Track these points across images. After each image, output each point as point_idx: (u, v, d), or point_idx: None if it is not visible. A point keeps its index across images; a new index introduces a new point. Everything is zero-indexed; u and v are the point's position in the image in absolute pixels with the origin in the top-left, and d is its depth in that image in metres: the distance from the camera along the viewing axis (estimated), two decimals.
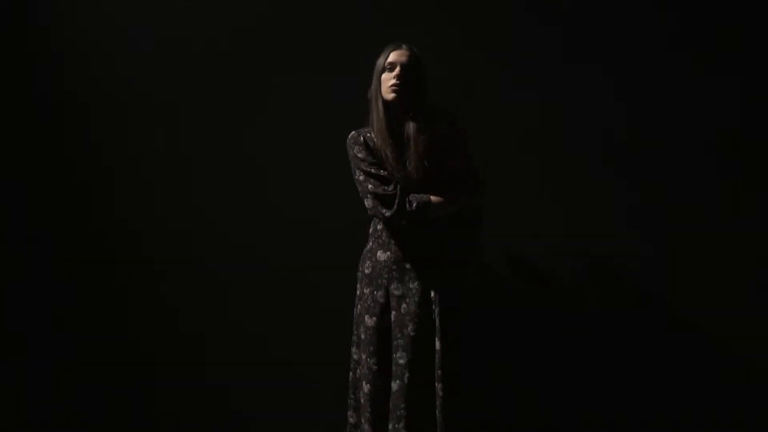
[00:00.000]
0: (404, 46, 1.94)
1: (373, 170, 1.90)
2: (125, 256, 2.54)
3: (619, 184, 2.21)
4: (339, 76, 2.33)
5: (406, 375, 1.87)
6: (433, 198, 1.87)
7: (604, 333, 2.23)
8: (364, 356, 1.96)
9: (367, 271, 2.00)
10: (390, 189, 1.87)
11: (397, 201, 1.85)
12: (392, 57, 1.91)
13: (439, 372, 1.87)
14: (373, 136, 1.94)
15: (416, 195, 1.87)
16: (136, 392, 2.54)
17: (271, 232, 2.43)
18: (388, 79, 1.90)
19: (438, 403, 1.86)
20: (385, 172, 1.89)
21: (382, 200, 1.87)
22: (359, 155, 1.93)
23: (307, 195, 2.39)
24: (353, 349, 2.04)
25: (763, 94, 2.12)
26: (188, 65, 2.46)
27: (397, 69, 1.90)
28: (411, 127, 1.89)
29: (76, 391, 2.57)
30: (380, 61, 1.93)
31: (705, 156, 2.16)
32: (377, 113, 1.92)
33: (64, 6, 2.52)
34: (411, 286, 1.92)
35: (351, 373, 2.04)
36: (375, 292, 1.96)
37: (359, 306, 2.01)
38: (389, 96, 1.90)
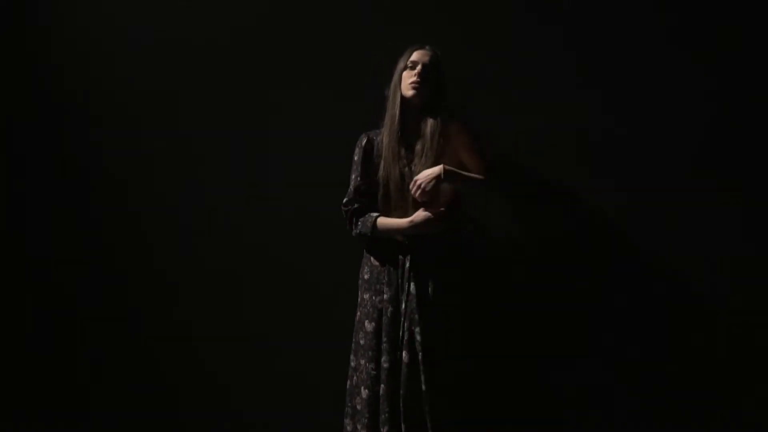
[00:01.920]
0: (428, 47, 1.97)
1: (351, 179, 2.01)
2: (125, 255, 2.54)
3: (619, 183, 2.21)
4: (339, 76, 2.32)
5: (390, 378, 1.88)
6: (380, 221, 1.92)
7: (603, 332, 2.23)
8: (362, 362, 1.96)
9: (366, 277, 2.01)
10: (346, 206, 1.99)
11: (347, 219, 1.99)
12: (415, 56, 1.95)
13: (424, 375, 1.86)
14: (382, 137, 1.95)
15: (365, 217, 1.95)
16: (134, 393, 2.54)
17: (271, 234, 2.43)
18: (409, 77, 1.93)
19: (424, 405, 1.86)
20: (359, 182, 1.98)
21: (343, 213, 2.01)
22: (355, 158, 2.02)
23: (308, 196, 2.38)
24: (351, 356, 2.04)
25: (764, 94, 2.12)
26: (188, 65, 2.46)
27: (419, 67, 1.92)
28: (428, 127, 1.90)
29: (75, 391, 2.57)
30: (402, 59, 1.96)
31: (704, 156, 2.16)
32: (392, 108, 1.94)
33: (64, 6, 2.52)
34: (398, 289, 1.92)
35: (348, 381, 2.04)
36: (373, 297, 1.96)
37: (359, 312, 2.02)
38: (409, 93, 1.91)
